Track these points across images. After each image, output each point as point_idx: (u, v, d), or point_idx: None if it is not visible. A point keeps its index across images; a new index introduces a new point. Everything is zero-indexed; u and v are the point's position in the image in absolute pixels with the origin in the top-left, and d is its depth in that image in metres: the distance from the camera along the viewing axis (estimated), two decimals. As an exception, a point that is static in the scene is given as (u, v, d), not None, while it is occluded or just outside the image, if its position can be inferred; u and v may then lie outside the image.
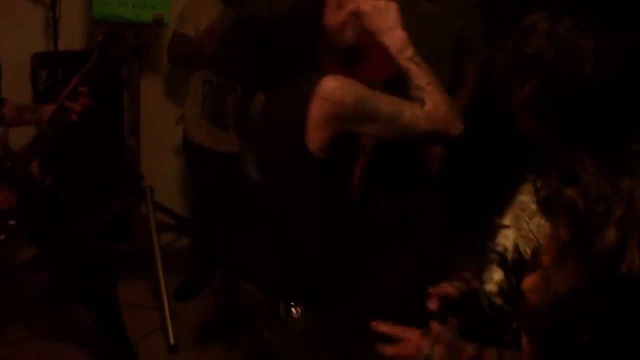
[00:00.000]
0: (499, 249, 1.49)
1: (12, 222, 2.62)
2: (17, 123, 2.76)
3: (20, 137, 2.74)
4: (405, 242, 3.00)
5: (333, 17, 1.81)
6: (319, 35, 1.80)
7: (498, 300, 1.48)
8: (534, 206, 1.44)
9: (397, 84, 1.82)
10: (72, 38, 3.43)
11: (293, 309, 1.91)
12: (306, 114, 1.71)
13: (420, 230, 3.26)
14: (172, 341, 3.24)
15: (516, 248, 1.47)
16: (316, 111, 1.70)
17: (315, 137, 1.73)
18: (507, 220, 1.50)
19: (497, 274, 1.49)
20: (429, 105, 1.72)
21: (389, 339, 1.45)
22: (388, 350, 1.45)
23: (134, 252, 3.71)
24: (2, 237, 2.60)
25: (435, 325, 1.46)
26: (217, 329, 3.33)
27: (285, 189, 1.89)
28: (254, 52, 1.81)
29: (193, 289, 3.63)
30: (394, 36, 1.75)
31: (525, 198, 1.48)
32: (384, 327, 1.49)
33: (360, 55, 2.33)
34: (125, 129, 3.59)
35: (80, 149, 3.46)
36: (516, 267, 1.46)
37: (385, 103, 1.73)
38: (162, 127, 3.77)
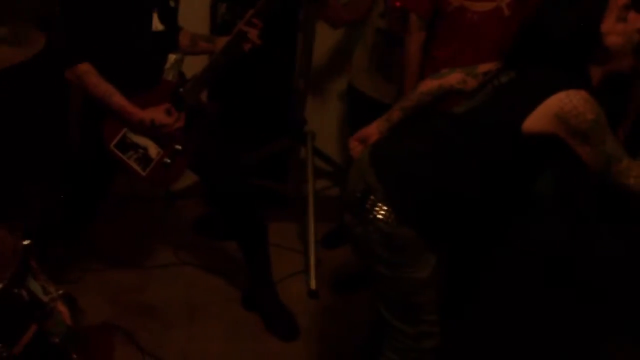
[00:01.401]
0: None
1: (178, 147, 2.69)
2: (191, 51, 2.83)
3: (194, 65, 2.80)
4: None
5: (613, 29, 1.86)
6: (595, 43, 1.87)
7: None
8: None
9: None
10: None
11: (379, 207, 1.95)
12: (542, 99, 1.81)
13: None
14: (313, 286, 3.26)
15: None
16: (554, 103, 1.80)
17: (534, 122, 1.83)
18: None
19: None
20: None
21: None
22: None
23: (287, 195, 3.75)
24: (168, 160, 2.68)
25: None
26: (357, 281, 3.30)
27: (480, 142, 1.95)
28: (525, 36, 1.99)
29: (340, 238, 3.62)
30: None
31: None
32: None
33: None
34: (296, 71, 3.59)
35: (250, 85, 3.51)
36: None
37: (613, 142, 1.82)
38: (330, 73, 3.75)
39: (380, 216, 1.96)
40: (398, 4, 2.89)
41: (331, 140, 3.84)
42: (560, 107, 1.78)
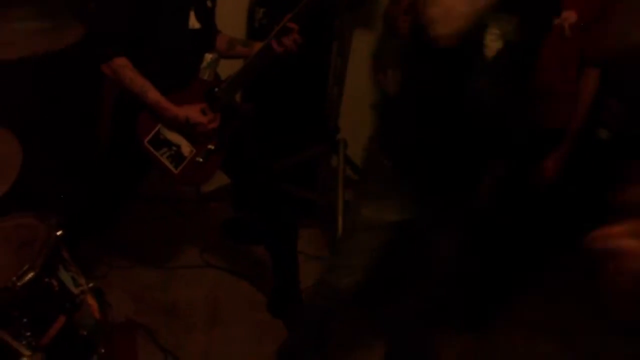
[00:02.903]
0: None
1: (211, 146, 2.67)
2: (228, 55, 2.82)
3: (229, 68, 2.79)
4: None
5: None
6: None
7: None
8: None
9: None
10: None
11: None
12: None
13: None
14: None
15: None
16: None
17: None
18: None
19: None
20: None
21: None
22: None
23: (316, 202, 3.72)
24: (200, 159, 2.66)
25: None
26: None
27: None
28: None
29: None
30: None
31: None
32: None
33: None
34: (330, 79, 3.57)
35: (284, 90, 3.49)
36: None
37: None
38: (364, 81, 3.72)
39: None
40: None
41: (362, 149, 3.80)
42: None
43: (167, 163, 2.63)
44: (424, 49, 1.90)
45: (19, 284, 1.82)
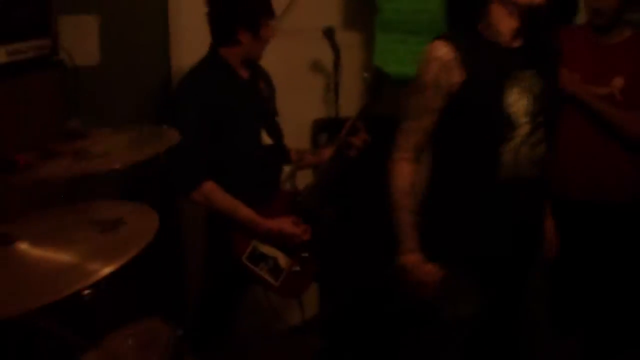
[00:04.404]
0: None
1: (305, 254, 2.70)
2: (299, 165, 2.91)
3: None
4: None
5: None
6: None
7: None
8: None
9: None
10: (351, 104, 3.43)
11: None
12: None
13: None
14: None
15: None
16: None
17: None
18: None
19: None
20: None
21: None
22: None
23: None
24: (298, 268, 2.68)
25: None
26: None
27: None
28: None
29: None
30: None
31: None
32: None
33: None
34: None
35: (359, 190, 3.49)
36: None
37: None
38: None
39: None
40: None
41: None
42: None
43: (267, 277, 2.64)
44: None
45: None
